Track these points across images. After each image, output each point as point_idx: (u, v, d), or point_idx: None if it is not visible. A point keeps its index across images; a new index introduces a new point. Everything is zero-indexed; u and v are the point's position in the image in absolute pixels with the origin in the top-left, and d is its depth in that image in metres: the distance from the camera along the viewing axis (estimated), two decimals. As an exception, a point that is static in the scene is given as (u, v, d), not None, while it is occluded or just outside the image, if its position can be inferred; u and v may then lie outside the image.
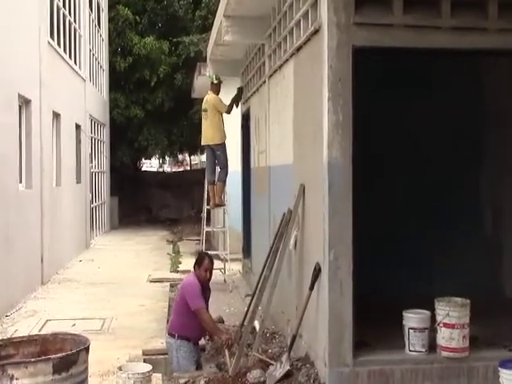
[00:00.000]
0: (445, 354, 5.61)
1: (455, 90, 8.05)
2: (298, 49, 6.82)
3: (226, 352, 6.50)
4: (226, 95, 11.53)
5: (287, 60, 7.46)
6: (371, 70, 6.69)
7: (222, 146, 10.97)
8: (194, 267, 6.76)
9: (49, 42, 12.96)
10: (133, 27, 23.36)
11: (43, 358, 4.11)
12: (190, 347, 6.58)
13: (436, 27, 5.63)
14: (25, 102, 11.31)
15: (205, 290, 6.70)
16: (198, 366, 6.63)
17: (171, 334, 6.63)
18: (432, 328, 5.69)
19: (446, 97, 8.03)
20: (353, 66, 5.52)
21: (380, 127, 7.77)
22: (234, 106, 11.24)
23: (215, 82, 11.05)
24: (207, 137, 11.03)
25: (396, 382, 5.51)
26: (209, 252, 11.35)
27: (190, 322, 6.48)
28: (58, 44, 14.35)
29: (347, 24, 5.51)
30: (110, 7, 23.04)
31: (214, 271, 12.40)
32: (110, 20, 22.95)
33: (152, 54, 22.83)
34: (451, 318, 5.57)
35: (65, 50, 15.25)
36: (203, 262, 6.74)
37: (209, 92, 11.10)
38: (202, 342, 7.11)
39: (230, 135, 11.26)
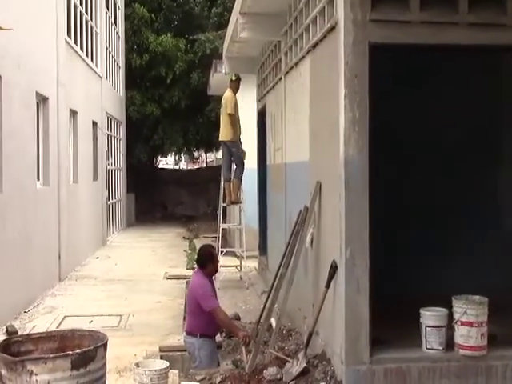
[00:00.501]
0: (462, 352, 5.58)
1: (474, 88, 7.98)
2: (315, 46, 6.80)
3: (243, 349, 6.50)
4: (241, 92, 11.57)
5: (303, 57, 7.45)
6: (387, 67, 6.66)
7: (236, 142, 10.98)
8: (203, 264, 6.63)
9: (66, 40, 13.03)
10: (149, 25, 23.41)
11: (62, 354, 4.13)
12: (211, 344, 6.58)
13: (453, 23, 5.59)
14: (42, 100, 11.38)
15: (212, 283, 6.69)
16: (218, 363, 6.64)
17: (192, 334, 6.53)
18: (449, 326, 5.66)
19: (464, 95, 7.96)
20: (369, 63, 5.50)
21: (398, 125, 7.73)
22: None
23: (233, 79, 11.06)
24: (222, 133, 11.08)
25: (413, 380, 5.48)
26: (216, 247, 11.47)
27: (209, 320, 6.45)
28: (75, 42, 14.43)
29: (364, 20, 5.48)
30: (126, 5, 23.12)
31: (230, 268, 12.55)
32: (126, 18, 23.02)
33: (168, 52, 22.88)
34: (469, 315, 5.53)
35: (81, 47, 15.33)
36: (215, 257, 6.74)
37: (227, 89, 11.13)
38: (218, 338, 7.11)
39: (246, 132, 11.27)
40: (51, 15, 11.94)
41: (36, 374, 3.94)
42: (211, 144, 26.90)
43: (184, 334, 6.79)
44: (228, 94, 10.95)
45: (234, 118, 10.89)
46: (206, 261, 6.66)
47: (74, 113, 14.03)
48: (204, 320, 6.45)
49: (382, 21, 5.53)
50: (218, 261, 6.79)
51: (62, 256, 12.17)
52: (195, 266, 10.78)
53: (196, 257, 6.92)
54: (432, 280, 7.26)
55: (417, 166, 7.98)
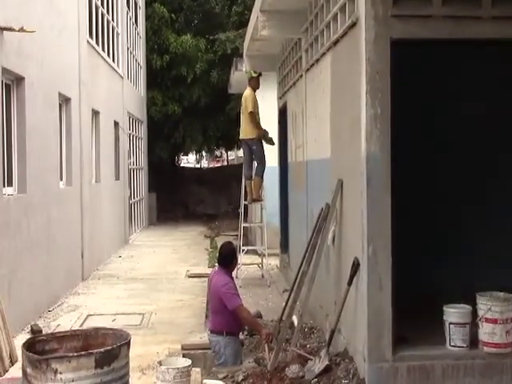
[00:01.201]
0: (487, 349, 5.53)
1: (499, 83, 7.87)
2: (335, 42, 6.77)
3: (266, 347, 6.49)
4: (261, 90, 11.56)
5: (324, 54, 7.42)
6: (409, 63, 6.61)
7: (257, 141, 10.96)
8: (227, 262, 6.62)
9: (88, 41, 13.13)
10: (169, 25, 23.49)
11: (86, 352, 4.16)
12: (236, 342, 6.58)
13: (476, 17, 5.53)
14: (65, 101, 11.47)
15: (233, 280, 6.70)
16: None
17: (217, 332, 6.52)
18: (473, 323, 5.61)
19: (485, 93, 7.86)
20: (391, 59, 5.46)
21: (415, 122, 7.66)
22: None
23: (254, 75, 11.03)
24: (242, 131, 11.08)
25: (436, 377, 5.44)
26: (238, 245, 11.47)
27: (232, 317, 6.45)
28: (97, 42, 14.53)
29: (385, 16, 5.45)
30: (147, 5, 23.22)
31: (251, 266, 12.54)
32: (147, 18, 23.13)
33: (189, 52, 22.94)
34: (493, 312, 5.48)
35: (103, 48, 15.43)
36: (236, 256, 6.77)
37: (247, 87, 11.11)
38: (240, 336, 7.12)
39: (267, 130, 11.24)
40: (73, 16, 12.03)
41: (60, 373, 3.97)
42: (232, 142, 26.93)
43: (208, 332, 6.78)
44: (248, 92, 10.93)
45: (255, 117, 10.87)
46: (230, 258, 6.68)
47: (96, 113, 14.12)
48: (228, 318, 6.45)
49: (403, 16, 5.49)
50: (235, 258, 6.83)
51: (85, 255, 12.26)
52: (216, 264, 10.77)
53: (218, 255, 6.91)
54: (456, 278, 7.19)
55: (443, 164, 7.88)
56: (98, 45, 14.71)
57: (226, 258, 6.68)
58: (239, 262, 12.06)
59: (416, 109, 7.49)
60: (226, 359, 6.47)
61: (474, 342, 5.60)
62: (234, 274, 11.72)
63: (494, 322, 5.47)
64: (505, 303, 5.53)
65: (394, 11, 5.46)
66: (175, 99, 23.76)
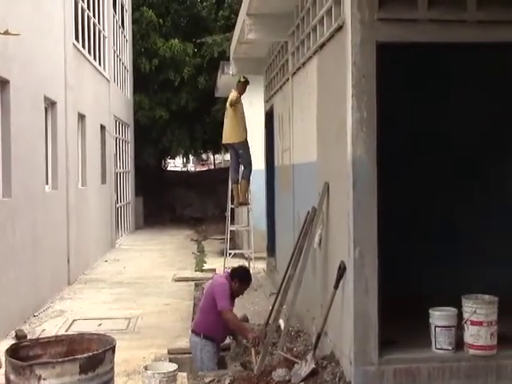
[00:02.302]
0: (472, 351, 5.54)
1: (482, 86, 7.94)
2: (322, 46, 6.78)
3: (252, 350, 6.49)
4: (249, 94, 11.57)
5: (310, 57, 7.43)
6: (396, 67, 6.63)
7: (243, 144, 10.93)
8: (233, 277, 6.68)
9: (74, 44, 13.07)
10: (157, 29, 23.45)
11: (70, 358, 4.13)
12: (213, 347, 6.62)
13: (461, 21, 5.55)
14: (50, 104, 11.41)
15: (233, 298, 6.71)
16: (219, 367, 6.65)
17: (196, 333, 6.68)
18: (459, 326, 5.63)
19: (471, 93, 7.92)
20: (377, 63, 5.47)
21: (403, 124, 7.69)
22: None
23: (242, 80, 11.03)
24: (225, 135, 11.02)
25: (422, 380, 5.45)
26: (225, 249, 11.46)
27: (216, 321, 6.50)
28: (83, 45, 14.47)
29: (371, 20, 5.46)
30: (134, 9, 23.17)
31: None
32: (134, 22, 23.07)
33: (177, 56, 22.91)
34: (478, 315, 5.50)
35: (89, 51, 15.37)
36: (247, 283, 6.77)
37: (233, 90, 11.10)
38: (227, 340, 7.12)
39: (254, 134, 11.25)
40: (59, 19, 11.98)
41: (44, 379, 3.94)
42: (219, 145, 26.93)
43: (190, 331, 6.87)
44: (233, 93, 10.92)
45: (238, 117, 10.83)
46: (238, 276, 6.70)
47: (82, 116, 14.05)
48: (211, 321, 6.50)
49: (389, 20, 5.50)
50: (245, 289, 6.82)
51: (71, 259, 12.19)
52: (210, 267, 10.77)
53: (235, 270, 6.93)
54: (441, 280, 7.22)
55: (424, 165, 7.93)
56: (84, 48, 14.65)
57: (236, 272, 6.78)
58: (226, 266, 12.06)
59: (402, 111, 7.51)
60: (202, 361, 6.53)
61: (459, 344, 5.62)
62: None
63: (479, 324, 5.49)
64: (490, 306, 5.55)
65: (380, 15, 5.47)
66: (162, 104, 23.72)
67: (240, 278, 6.70)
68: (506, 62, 7.73)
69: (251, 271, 12.07)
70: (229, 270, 6.98)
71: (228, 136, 10.98)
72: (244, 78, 11.09)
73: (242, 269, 7.02)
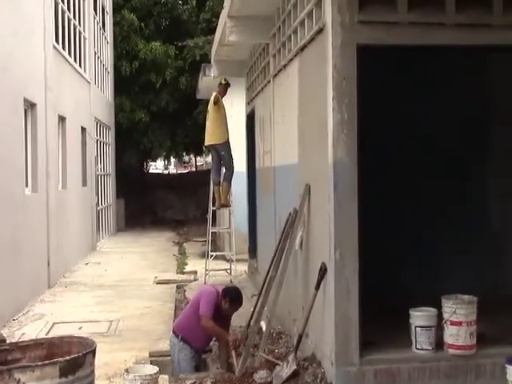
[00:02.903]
0: (452, 351, 5.59)
1: (461, 88, 8.02)
2: (303, 48, 6.80)
3: (233, 353, 6.49)
4: (230, 96, 11.57)
5: (292, 59, 7.45)
6: (377, 69, 6.68)
7: (225, 145, 10.92)
8: (224, 296, 6.58)
9: (54, 46, 12.99)
10: (138, 32, 23.38)
11: (50, 361, 4.10)
12: (191, 352, 6.61)
13: (441, 24, 5.60)
14: (30, 106, 11.33)
15: (220, 315, 6.59)
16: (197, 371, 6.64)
17: (176, 334, 6.68)
18: (439, 326, 5.67)
19: (451, 95, 8.00)
20: (358, 65, 5.50)
21: (385, 126, 7.75)
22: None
23: (223, 83, 11.03)
24: (208, 137, 10.99)
25: (403, 380, 5.49)
26: (206, 251, 11.44)
27: (195, 326, 6.49)
28: (63, 47, 14.38)
29: (351, 22, 5.49)
30: (115, 11, 23.08)
31: (220, 272, 12.54)
32: (115, 24, 22.98)
33: (158, 59, 22.86)
34: (458, 315, 5.54)
35: (70, 53, 15.28)
36: (237, 304, 6.64)
37: (214, 93, 11.09)
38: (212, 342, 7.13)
39: (235, 136, 11.24)
40: (39, 21, 11.90)
41: (24, 383, 3.90)
42: (200, 147, 26.92)
43: (171, 332, 6.88)
44: (214, 95, 10.92)
45: (220, 118, 10.83)
46: (230, 296, 6.57)
47: (62, 118, 13.97)
48: (192, 325, 6.51)
49: (369, 22, 5.53)
50: (234, 311, 6.72)
51: (51, 262, 12.10)
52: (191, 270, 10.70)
53: (228, 289, 6.86)
54: (422, 279, 7.27)
55: (404, 165, 7.99)
56: (65, 50, 14.56)
57: (229, 291, 6.66)
58: (207, 268, 12.05)
59: (383, 113, 7.56)
60: (179, 363, 6.58)
61: (439, 344, 5.67)
62: (202, 281, 11.78)
63: (459, 324, 5.54)
64: (469, 306, 5.60)
65: (361, 17, 5.50)
66: (144, 105, 23.65)
67: (231, 299, 6.57)
68: (484, 65, 7.83)
69: (233, 273, 12.25)
70: (220, 287, 6.87)
71: (210, 137, 10.97)
72: (225, 80, 11.10)
73: (235, 290, 6.86)
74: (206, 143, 11.20)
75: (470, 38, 5.66)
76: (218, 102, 10.80)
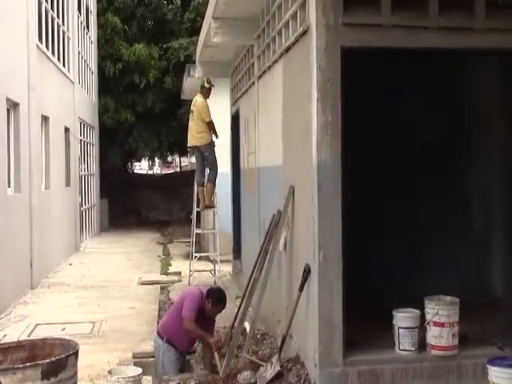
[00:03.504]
0: (434, 352, 5.63)
1: (445, 89, 8.08)
2: (287, 49, 6.81)
3: (216, 354, 6.49)
4: (215, 96, 11.55)
5: (276, 61, 7.46)
6: (362, 70, 6.70)
7: (210, 146, 10.88)
8: (208, 297, 6.59)
9: (37, 45, 12.90)
10: (121, 36, 23.28)
11: (31, 363, 4.07)
12: (176, 354, 6.60)
13: (424, 27, 5.63)
14: (13, 106, 11.25)
15: (204, 316, 6.60)
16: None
17: (160, 336, 6.67)
18: (422, 327, 5.70)
19: (435, 95, 8.06)
20: (342, 67, 5.52)
21: (368, 126, 7.79)
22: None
23: (206, 86, 10.96)
24: (192, 138, 10.94)
25: (386, 381, 5.52)
26: (190, 252, 11.43)
27: (179, 328, 6.49)
28: (47, 47, 14.30)
29: (336, 24, 5.50)
30: (100, 14, 22.98)
31: (204, 273, 12.52)
32: (99, 27, 22.90)
33: (141, 60, 22.80)
34: (441, 316, 5.58)
35: (53, 52, 15.19)
36: (220, 306, 6.63)
37: (198, 94, 11.05)
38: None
39: (220, 136, 11.22)
40: (21, 20, 11.81)
41: (5, 385, 3.88)
42: (185, 148, 26.84)
43: (156, 333, 6.87)
44: (200, 99, 10.86)
45: (213, 124, 10.82)
46: (213, 298, 6.57)
47: (45, 118, 13.89)
48: (176, 326, 6.50)
49: (354, 24, 5.55)
50: (218, 312, 6.72)
51: (34, 263, 12.02)
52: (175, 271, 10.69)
53: (212, 289, 6.85)
54: (405, 280, 7.30)
55: (386, 166, 8.03)
56: (48, 49, 14.47)
57: (213, 292, 6.66)
58: (192, 269, 12.04)
59: (367, 115, 7.60)
60: (163, 365, 6.58)
61: (422, 345, 5.71)
62: (186, 282, 11.77)
63: (441, 325, 5.58)
64: (451, 307, 5.65)
65: (345, 19, 5.52)
66: (128, 105, 23.57)
67: (214, 300, 6.57)
68: (467, 64, 7.90)
69: (217, 274, 12.24)
70: (204, 288, 6.86)
71: (194, 139, 10.92)
72: (208, 81, 11.04)
73: (218, 291, 6.83)
74: (189, 144, 11.14)
75: (453, 41, 5.70)
76: (207, 112, 10.75)
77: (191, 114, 11.04)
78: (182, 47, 21.89)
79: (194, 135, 10.89)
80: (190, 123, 11.01)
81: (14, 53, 11.21)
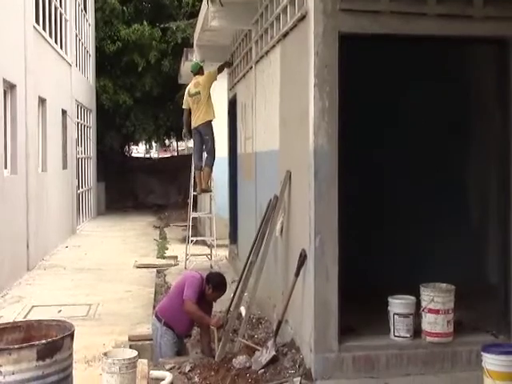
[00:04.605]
0: (429, 339, 5.67)
1: (443, 77, 8.05)
2: (285, 35, 6.79)
3: (215, 333, 6.49)
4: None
5: (274, 46, 7.43)
6: (360, 57, 6.68)
7: (208, 125, 10.75)
8: (208, 282, 6.64)
9: (34, 27, 12.82)
10: (120, 17, 23.13)
11: (27, 344, 4.07)
12: (173, 337, 6.64)
13: (422, 14, 5.62)
14: (10, 87, 11.20)
15: (203, 301, 6.64)
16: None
17: (158, 318, 6.70)
18: (417, 313, 5.74)
19: (432, 85, 8.04)
20: (339, 53, 5.51)
21: (369, 115, 7.77)
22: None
23: (201, 64, 11.12)
24: (199, 117, 10.78)
25: (381, 367, 5.55)
26: (187, 236, 11.45)
27: (178, 311, 6.51)
28: (44, 29, 14.20)
29: (334, 10, 5.49)
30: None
31: (200, 257, 12.55)
32: (98, 9, 22.73)
33: (141, 40, 22.67)
34: (436, 303, 5.62)
35: (50, 34, 15.10)
36: (220, 291, 6.70)
37: (196, 77, 10.99)
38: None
39: (217, 121, 11.19)
40: (18, 1, 11.73)
41: (0, 366, 3.89)
42: (181, 131, 26.78)
43: (153, 315, 6.91)
44: (201, 77, 10.83)
45: (206, 99, 10.74)
46: (213, 283, 6.64)
47: (42, 100, 13.83)
48: (175, 308, 6.54)
49: (351, 10, 5.53)
50: (218, 297, 6.79)
51: (31, 245, 12.03)
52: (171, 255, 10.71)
53: (212, 274, 6.92)
54: (401, 268, 7.34)
55: (386, 155, 8.03)
56: (45, 31, 14.38)
57: (213, 277, 6.75)
58: (188, 253, 12.07)
59: (364, 102, 7.58)
60: (160, 348, 6.62)
61: (417, 331, 5.74)
62: (183, 266, 11.80)
63: (437, 312, 5.61)
64: (447, 294, 5.68)
65: (343, 5, 5.50)
66: (126, 88, 23.48)
67: (214, 285, 6.63)
68: (465, 54, 7.87)
69: (213, 258, 12.27)
70: (204, 273, 6.89)
71: (201, 117, 10.74)
72: (201, 61, 11.11)
73: (219, 276, 6.90)
74: (194, 125, 10.97)
75: (450, 28, 5.69)
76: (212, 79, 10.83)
77: (195, 96, 10.81)
78: (180, 29, 21.77)
79: (200, 116, 10.73)
80: (195, 106, 10.79)
81: (10, 34, 11.13)
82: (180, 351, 6.76)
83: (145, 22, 22.85)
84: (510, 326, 5.82)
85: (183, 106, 11.20)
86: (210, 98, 10.74)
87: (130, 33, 22.51)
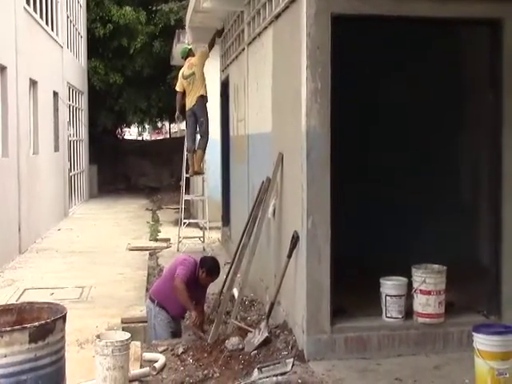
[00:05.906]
0: (421, 320, 5.70)
1: (436, 60, 8.03)
2: (277, 16, 6.74)
3: (193, 329, 6.55)
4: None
5: (266, 27, 7.39)
6: (352, 38, 6.65)
7: (202, 102, 10.64)
8: (202, 266, 6.65)
9: (25, 8, 12.71)
10: None
11: (19, 327, 4.07)
12: (167, 317, 6.64)
13: (415, -5, 5.60)
14: (0, 69, 11.11)
15: (196, 285, 6.66)
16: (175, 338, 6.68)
17: (152, 299, 6.72)
18: (409, 295, 5.76)
19: (426, 66, 8.02)
20: (332, 34, 5.48)
21: (361, 95, 7.75)
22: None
23: (190, 46, 11.20)
24: (194, 97, 10.66)
25: (373, 348, 5.58)
26: (180, 218, 11.46)
27: (171, 292, 6.52)
28: (35, 10, 14.08)
29: (326, -9, 5.45)
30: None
31: (193, 239, 12.55)
32: (89, -10, 22.59)
33: (130, 24, 22.54)
34: (428, 284, 5.64)
35: (41, 16, 14.97)
36: (213, 275, 6.71)
37: (188, 59, 10.90)
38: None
39: (210, 103, 11.12)
40: (8, -19, 11.61)
41: (-8, 348, 3.88)
42: (174, 113, 26.69)
43: (148, 297, 6.92)
44: (194, 58, 10.74)
45: (200, 78, 10.65)
46: (207, 267, 6.65)
47: (33, 82, 13.74)
48: (168, 289, 6.54)
49: (344, -9, 5.50)
50: (211, 281, 6.81)
51: (23, 228, 12.00)
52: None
53: (206, 259, 6.92)
54: (393, 249, 7.35)
55: (378, 135, 8.02)
56: (36, 12, 14.25)
57: (206, 261, 6.75)
58: (180, 235, 12.07)
59: (357, 83, 7.56)
60: (154, 328, 6.65)
61: (409, 312, 5.77)
62: (175, 248, 11.81)
63: (428, 293, 5.64)
64: (438, 275, 5.70)
65: (335, -14, 5.46)
66: (117, 69, 23.37)
67: (208, 269, 6.64)
68: (460, 37, 7.84)
69: (206, 241, 12.27)
70: (198, 257, 6.90)
71: (191, 101, 10.66)
72: (189, 45, 11.11)
73: (212, 260, 6.89)
74: (189, 107, 10.83)
75: (443, 10, 5.65)
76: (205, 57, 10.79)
77: (189, 78, 10.68)
78: (172, 11, 21.62)
79: (195, 96, 10.62)
80: (190, 87, 10.67)
81: (0, 16, 11.02)
82: (175, 332, 6.77)
83: (128, 7, 22.63)
84: (501, 306, 5.86)
85: (176, 89, 11.10)
86: (204, 78, 10.67)
87: (121, 15, 22.36)
